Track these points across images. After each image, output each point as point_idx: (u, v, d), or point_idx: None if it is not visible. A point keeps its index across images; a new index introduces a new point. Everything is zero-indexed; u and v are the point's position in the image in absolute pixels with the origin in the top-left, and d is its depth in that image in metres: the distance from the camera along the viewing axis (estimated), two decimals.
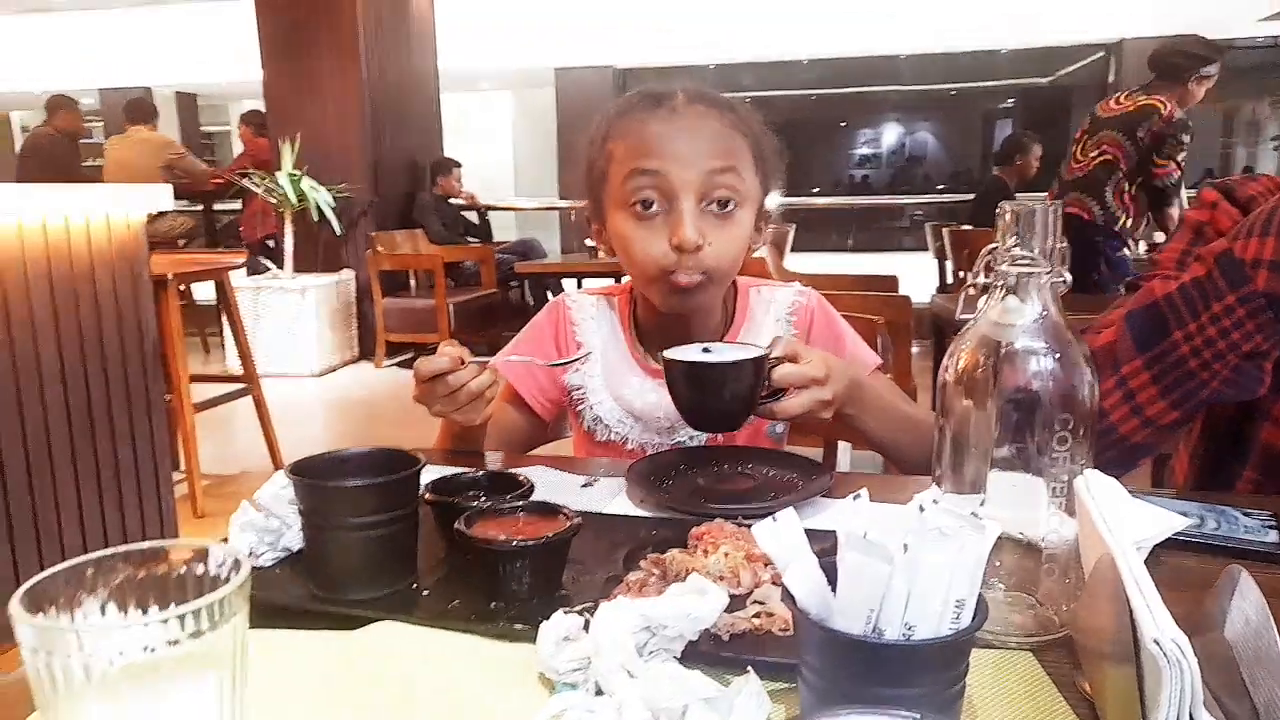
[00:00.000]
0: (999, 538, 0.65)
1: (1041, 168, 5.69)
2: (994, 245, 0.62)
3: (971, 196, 6.70)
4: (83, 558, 0.45)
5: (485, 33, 9.09)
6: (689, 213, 1.01)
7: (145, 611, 0.45)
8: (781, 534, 0.47)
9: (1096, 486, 0.58)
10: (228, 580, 0.44)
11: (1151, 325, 0.85)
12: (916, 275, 4.49)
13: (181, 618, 0.40)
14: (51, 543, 2.24)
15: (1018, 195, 5.52)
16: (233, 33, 7.61)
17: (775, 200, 1.18)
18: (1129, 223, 3.57)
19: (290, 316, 5.49)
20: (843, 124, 13.52)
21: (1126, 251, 3.66)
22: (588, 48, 9.20)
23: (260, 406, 3.64)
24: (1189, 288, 0.83)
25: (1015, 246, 0.61)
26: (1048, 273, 0.61)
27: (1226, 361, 0.81)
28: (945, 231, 5.15)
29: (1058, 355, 0.61)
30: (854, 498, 0.48)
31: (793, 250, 5.51)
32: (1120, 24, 8.54)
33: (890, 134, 13.94)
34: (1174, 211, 3.58)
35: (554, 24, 9.26)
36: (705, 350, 0.93)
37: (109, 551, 0.45)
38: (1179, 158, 3.47)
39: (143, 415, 2.58)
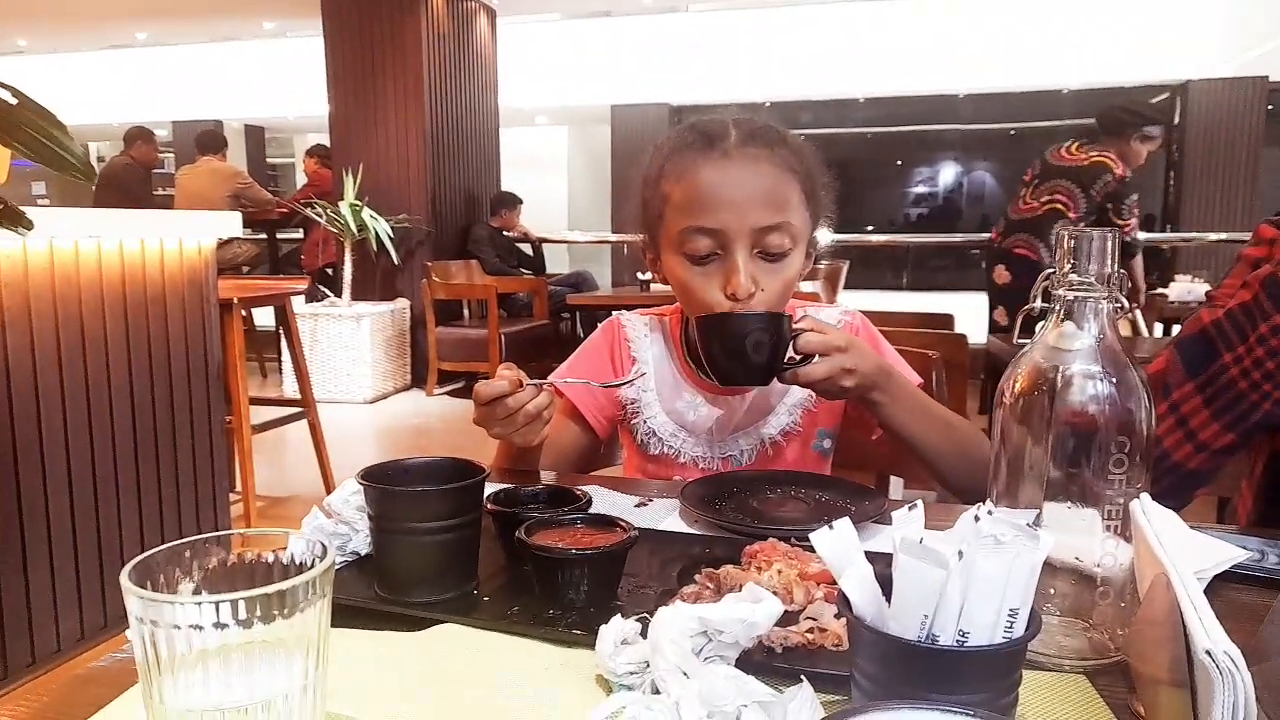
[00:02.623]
0: (1054, 565, 0.66)
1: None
2: (1051, 270, 0.63)
3: None
4: (180, 541, 0.48)
5: (544, 70, 9.29)
6: (743, 262, 1.05)
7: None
8: (838, 541, 0.49)
9: (1152, 511, 0.59)
10: (313, 566, 0.46)
11: (1201, 350, 0.85)
12: (971, 315, 4.46)
13: (269, 596, 0.43)
14: (112, 555, 2.32)
15: None
16: (301, 69, 7.90)
17: (826, 235, 1.20)
18: None
19: (346, 343, 5.62)
20: (899, 162, 13.48)
21: None
22: (643, 85, 9.33)
23: (315, 430, 3.72)
24: (1236, 312, 0.84)
25: (1072, 272, 0.62)
26: (1105, 298, 0.62)
27: (1276, 381, 0.81)
28: (1023, 314, 5.07)
29: (1114, 380, 0.62)
30: (909, 508, 0.49)
31: (846, 288, 5.51)
32: (1186, 66, 8.43)
33: (947, 173, 13.84)
34: (1138, 262, 4.01)
35: (611, 62, 9.44)
36: None
37: (204, 536, 0.49)
38: (1136, 215, 3.81)
39: (204, 435, 2.66)
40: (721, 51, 9.09)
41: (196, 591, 0.47)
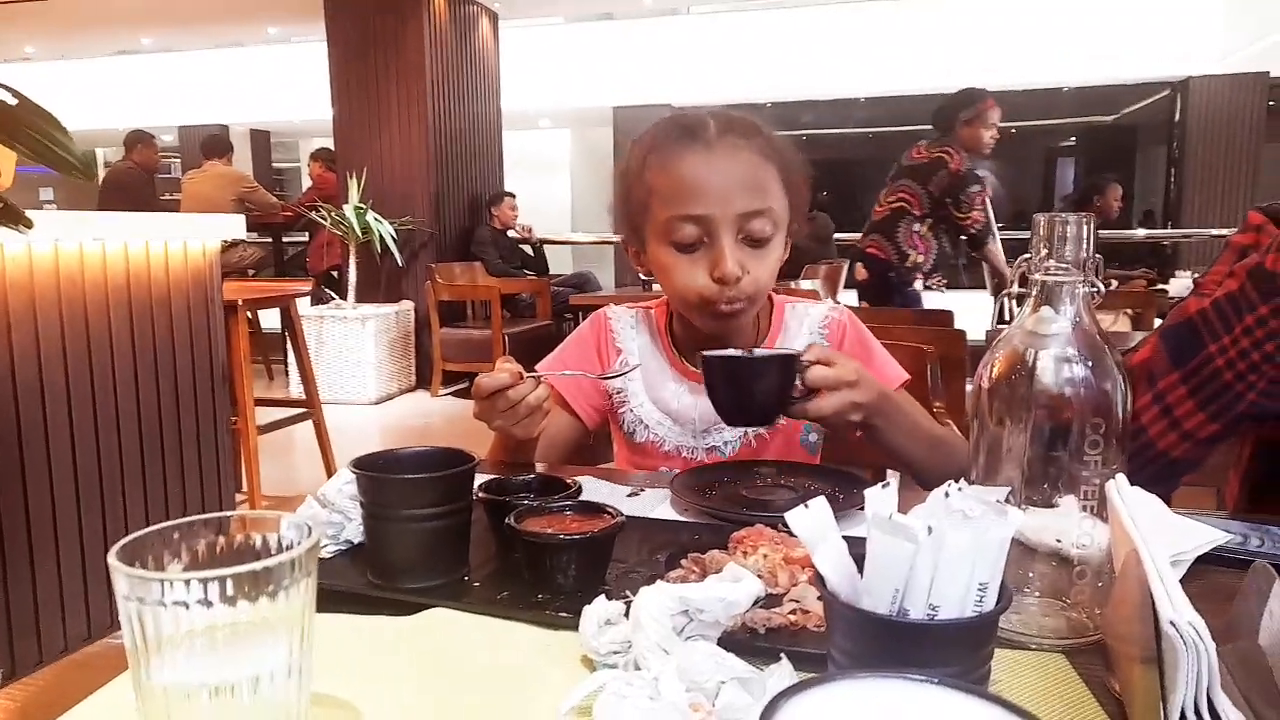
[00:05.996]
0: (1035, 549, 0.67)
1: (1124, 208, 5.71)
2: (1028, 255, 0.64)
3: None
4: (168, 523, 0.49)
5: (546, 73, 9.32)
6: (729, 247, 1.07)
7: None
8: (812, 518, 0.50)
9: (1129, 493, 0.60)
10: (298, 545, 0.48)
11: (1186, 340, 0.86)
12: (972, 313, 4.48)
13: (254, 574, 0.44)
14: None
15: (1101, 234, 5.53)
16: (305, 73, 7.94)
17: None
18: (919, 259, 3.90)
19: (351, 345, 5.65)
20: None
21: (918, 286, 4.02)
22: (645, 87, 9.36)
23: (320, 430, 3.74)
24: (1222, 302, 0.84)
25: (1049, 257, 0.63)
26: (1081, 282, 0.63)
27: (1262, 373, 0.82)
28: (1006, 297, 5.11)
29: (1090, 363, 0.62)
30: (882, 486, 0.50)
31: (847, 287, 5.50)
32: (1187, 62, 8.42)
33: None
34: (993, 247, 4.01)
35: (612, 64, 9.46)
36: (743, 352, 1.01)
37: (191, 519, 0.50)
38: (978, 206, 3.80)
39: (210, 435, 2.68)
40: (723, 53, 9.11)
41: (184, 571, 0.49)
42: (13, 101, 1.09)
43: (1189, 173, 8.56)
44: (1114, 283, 5.14)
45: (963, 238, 3.96)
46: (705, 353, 1.00)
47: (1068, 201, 6.27)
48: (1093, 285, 0.63)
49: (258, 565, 0.44)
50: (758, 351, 1.02)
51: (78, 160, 1.12)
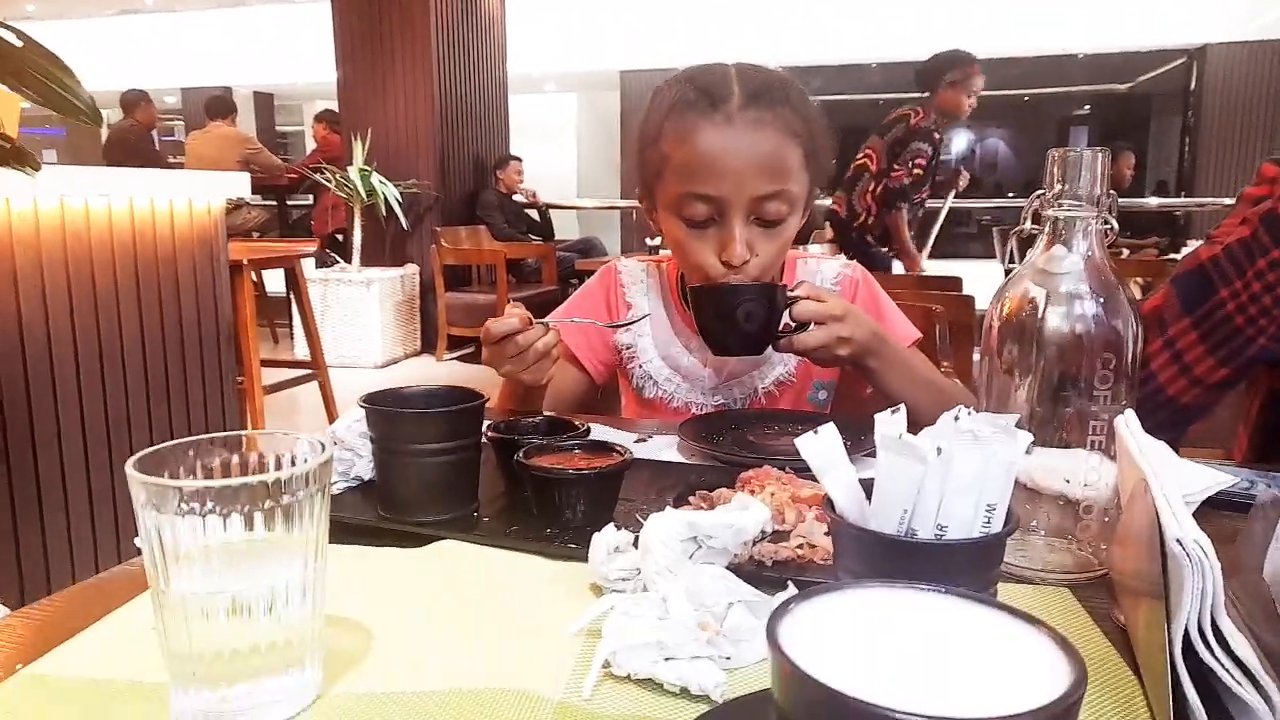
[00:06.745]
0: (1042, 491, 0.67)
1: (1135, 177, 5.68)
2: (1041, 191, 0.64)
3: None
4: (183, 439, 0.49)
5: (553, 37, 9.22)
6: (739, 230, 1.05)
7: None
8: (822, 445, 0.50)
9: (1136, 426, 0.60)
10: (312, 459, 0.48)
11: (1198, 286, 0.86)
12: (983, 282, 4.45)
13: (267, 484, 0.45)
14: (125, 509, 2.35)
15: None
16: (310, 35, 7.86)
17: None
18: (868, 220, 3.83)
19: (356, 309, 5.65)
20: None
21: (870, 246, 3.88)
22: (652, 51, 9.26)
23: (326, 392, 3.76)
24: (1235, 249, 0.84)
25: (1063, 194, 0.63)
26: (1094, 217, 0.62)
27: (1273, 317, 0.82)
28: (1015, 237, 5.09)
29: (1101, 299, 0.62)
30: (892, 411, 0.50)
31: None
32: (1204, 29, 8.30)
33: (960, 140, 13.71)
34: (900, 215, 3.79)
35: (619, 28, 9.35)
36: None
37: (205, 436, 0.50)
38: (916, 167, 3.67)
39: (215, 394, 2.69)
40: (731, 17, 9.00)
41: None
42: (18, 43, 1.08)
43: (1204, 142, 8.48)
44: (1125, 252, 5.11)
45: (877, 187, 3.81)
46: (692, 285, 1.02)
47: None
48: (1106, 222, 0.63)
49: (269, 477, 0.44)
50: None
51: (85, 104, 1.11)
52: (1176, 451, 0.74)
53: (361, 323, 5.66)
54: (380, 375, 5.60)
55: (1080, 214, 0.62)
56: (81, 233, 2.20)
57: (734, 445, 0.95)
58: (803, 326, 0.99)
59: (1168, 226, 6.75)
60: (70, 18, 9.89)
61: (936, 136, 3.75)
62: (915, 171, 3.71)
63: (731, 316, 0.98)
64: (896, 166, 3.71)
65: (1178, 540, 0.43)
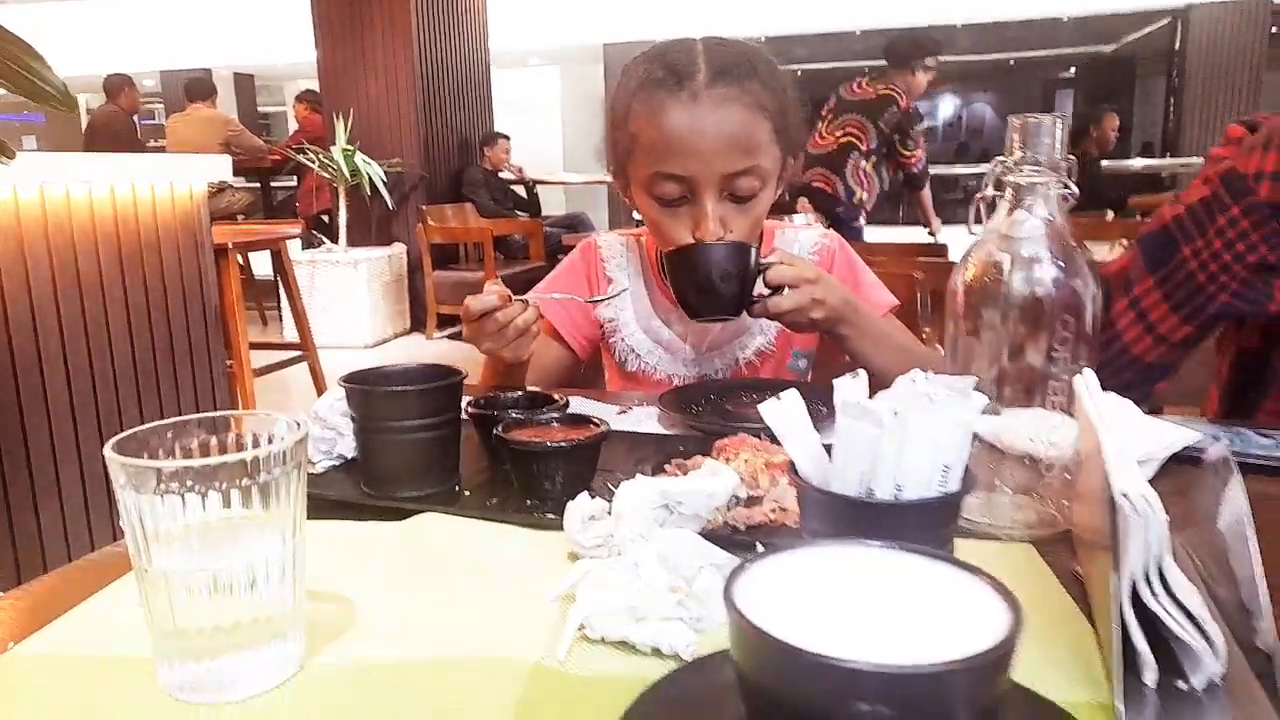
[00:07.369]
0: (1007, 451, 0.69)
1: (1120, 138, 5.73)
2: (1002, 158, 0.65)
3: None
4: (162, 421, 0.51)
5: (534, 9, 9.13)
6: (711, 207, 1.05)
7: None
8: (784, 409, 0.51)
9: (1094, 385, 0.61)
10: (287, 438, 0.49)
11: (1161, 245, 0.88)
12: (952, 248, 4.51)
13: (244, 462, 0.46)
14: None
15: (1102, 164, 5.77)
16: (288, 15, 7.77)
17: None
18: (864, 197, 3.97)
19: (344, 289, 5.63)
20: None
21: (862, 221, 4.07)
22: (636, 23, 9.18)
23: (315, 373, 3.76)
24: (1196, 207, 0.86)
25: (1024, 161, 0.64)
26: (1055, 182, 0.63)
27: (1234, 274, 0.84)
28: (979, 203, 5.12)
29: (1061, 262, 0.64)
30: (852, 375, 0.51)
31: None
32: None
33: (946, 106, 13.66)
34: (925, 193, 4.28)
35: (602, 0, 9.27)
36: None
37: (184, 418, 0.51)
38: (923, 145, 4.00)
39: (205, 377, 2.70)
40: None
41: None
42: None
43: (1188, 102, 8.47)
44: (1110, 213, 5.14)
45: (901, 175, 4.04)
46: (665, 250, 1.04)
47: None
48: (1066, 187, 0.64)
49: (247, 455, 0.46)
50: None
51: (56, 89, 1.11)
52: (1155, 412, 0.76)
53: (350, 303, 5.66)
54: (371, 355, 5.60)
55: (1040, 179, 0.63)
56: (63, 220, 2.20)
57: (713, 414, 0.97)
58: (777, 292, 1.01)
59: (1153, 187, 6.76)
60: (42, 0, 9.75)
61: (921, 114, 4.01)
62: (925, 149, 4.01)
63: (706, 278, 1.00)
64: (905, 151, 3.93)
65: (1124, 494, 0.44)
